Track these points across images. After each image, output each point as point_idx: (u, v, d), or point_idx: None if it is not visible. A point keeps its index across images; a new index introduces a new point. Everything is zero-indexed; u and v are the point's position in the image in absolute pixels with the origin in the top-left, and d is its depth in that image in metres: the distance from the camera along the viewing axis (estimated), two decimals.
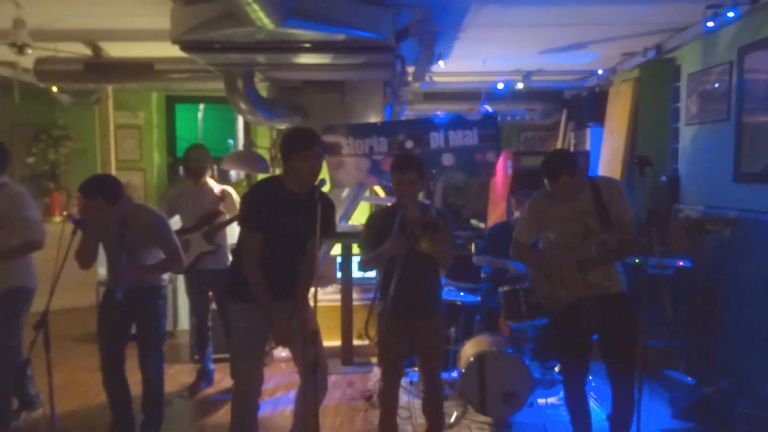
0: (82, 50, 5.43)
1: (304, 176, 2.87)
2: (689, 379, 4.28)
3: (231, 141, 7.86)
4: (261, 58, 4.28)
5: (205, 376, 4.56)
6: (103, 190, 3.07)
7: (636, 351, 2.86)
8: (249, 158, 5.15)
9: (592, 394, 3.96)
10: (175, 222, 4.48)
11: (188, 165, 4.49)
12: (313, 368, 2.60)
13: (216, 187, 4.52)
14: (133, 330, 3.43)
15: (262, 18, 3.38)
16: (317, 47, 4.02)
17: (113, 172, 6.44)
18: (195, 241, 4.33)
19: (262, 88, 5.30)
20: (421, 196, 3.24)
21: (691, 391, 4.04)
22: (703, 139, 4.77)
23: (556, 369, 4.42)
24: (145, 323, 3.39)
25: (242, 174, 7.23)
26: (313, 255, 2.90)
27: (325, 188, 4.80)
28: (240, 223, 2.99)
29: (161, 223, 3.35)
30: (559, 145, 7.42)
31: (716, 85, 4.52)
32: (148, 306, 3.37)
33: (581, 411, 3.31)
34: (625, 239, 3.06)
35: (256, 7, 3.21)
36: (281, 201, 2.88)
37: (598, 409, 3.98)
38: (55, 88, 6.26)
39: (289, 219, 2.89)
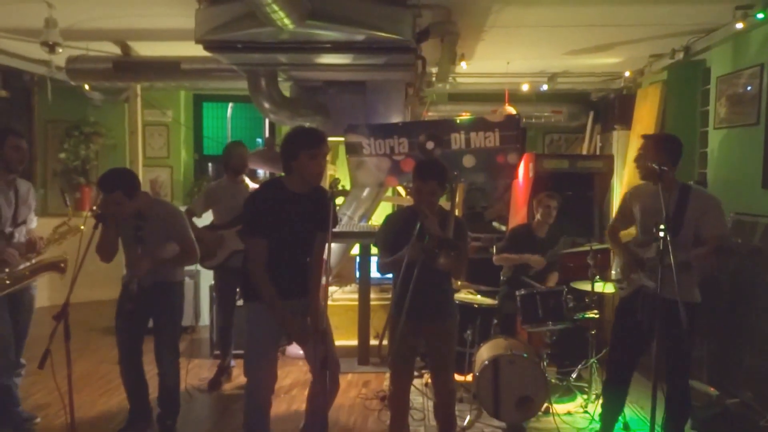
0: (113, 49, 5.56)
1: (311, 175, 2.88)
2: (712, 390, 4.19)
3: (259, 140, 7.94)
4: (283, 58, 4.33)
5: (225, 372, 4.62)
6: (122, 184, 3.13)
7: (683, 363, 3.09)
8: (270, 157, 5.21)
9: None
10: (207, 216, 4.56)
11: (228, 161, 4.50)
12: (321, 366, 2.61)
13: (252, 185, 4.57)
14: (151, 324, 3.49)
15: (282, 18, 3.42)
16: (338, 47, 4.04)
17: (140, 168, 6.59)
18: (229, 239, 4.34)
19: (285, 88, 5.36)
20: (443, 200, 3.22)
21: (714, 403, 3.94)
22: (732, 144, 4.64)
23: (573, 375, 4.37)
24: (161, 318, 3.45)
25: (267, 173, 7.31)
26: (321, 252, 2.90)
27: (345, 187, 4.86)
28: (243, 231, 2.98)
29: (178, 217, 3.40)
30: (585, 148, 7.31)
31: (746, 88, 4.40)
32: (165, 301, 3.42)
33: (613, 403, 3.43)
34: (696, 252, 3.03)
35: (276, 7, 3.25)
36: (284, 203, 2.89)
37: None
38: (87, 86, 6.43)
39: (293, 220, 2.89)
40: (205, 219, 4.58)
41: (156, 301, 3.38)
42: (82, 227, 3.59)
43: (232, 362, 4.71)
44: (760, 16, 3.88)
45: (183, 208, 5.38)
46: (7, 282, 3.38)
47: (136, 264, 3.24)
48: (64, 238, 3.59)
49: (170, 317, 3.46)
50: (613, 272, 3.55)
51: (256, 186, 4.58)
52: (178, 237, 3.38)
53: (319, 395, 2.84)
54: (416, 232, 2.84)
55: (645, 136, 3.36)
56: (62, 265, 3.66)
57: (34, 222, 3.62)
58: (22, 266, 3.44)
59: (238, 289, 4.60)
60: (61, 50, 4.39)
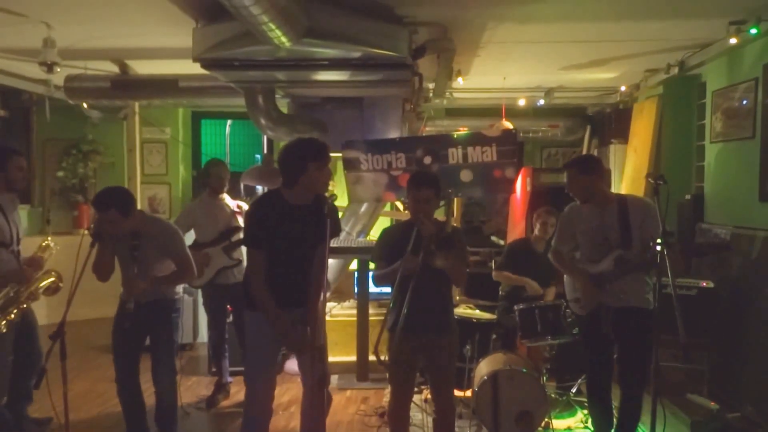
0: (111, 68, 5.59)
1: (319, 187, 2.89)
2: (712, 404, 4.16)
3: (258, 156, 7.96)
4: (280, 75, 4.35)
5: (222, 389, 4.59)
6: (116, 203, 3.11)
7: (646, 368, 3.07)
8: (267, 173, 5.21)
9: None
10: (190, 236, 4.55)
11: (207, 180, 4.55)
12: (319, 384, 2.59)
13: (231, 202, 4.58)
14: (148, 342, 3.47)
15: (279, 36, 3.45)
16: (335, 64, 4.06)
17: (138, 185, 6.59)
18: (216, 256, 4.37)
19: (283, 105, 5.38)
20: (439, 214, 3.23)
21: (714, 417, 3.92)
22: (729, 158, 4.67)
23: (573, 390, 4.34)
24: (157, 336, 3.43)
25: (265, 190, 7.32)
26: (322, 264, 2.90)
27: (343, 203, 4.85)
28: (244, 242, 3.01)
29: (173, 235, 3.39)
30: None
31: (742, 102, 4.43)
32: (161, 318, 3.40)
33: (601, 415, 3.47)
34: (645, 258, 3.14)
35: (272, 26, 3.27)
36: (282, 214, 2.88)
37: None
38: (85, 105, 6.46)
39: (292, 231, 2.89)
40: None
41: (153, 318, 3.36)
42: (86, 231, 3.66)
43: (229, 378, 4.68)
44: (754, 31, 3.92)
45: None
46: (24, 306, 3.46)
47: (132, 284, 3.23)
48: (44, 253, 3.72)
49: (167, 335, 3.44)
50: (567, 293, 3.55)
51: (239, 203, 4.60)
52: (174, 254, 3.36)
53: (316, 413, 2.81)
54: (411, 246, 2.86)
55: (565, 167, 3.46)
56: (59, 282, 3.71)
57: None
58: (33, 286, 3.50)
59: (228, 306, 4.60)
60: (59, 70, 4.42)
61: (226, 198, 4.59)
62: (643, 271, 3.21)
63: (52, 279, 3.75)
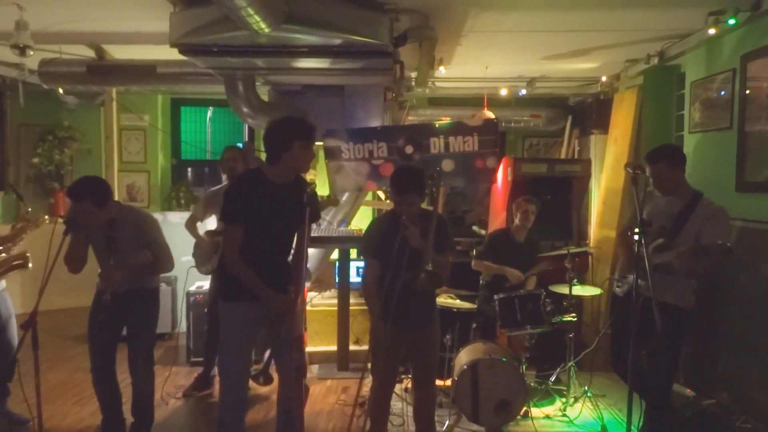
0: (87, 52, 5.47)
1: (303, 165, 2.87)
2: (688, 391, 4.23)
3: (240, 144, 7.88)
4: (260, 62, 4.29)
5: (207, 380, 4.54)
6: (92, 193, 3.05)
7: (672, 362, 3.29)
8: (250, 161, 5.14)
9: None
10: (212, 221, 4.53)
11: (222, 165, 4.46)
12: (297, 374, 2.58)
13: None
14: (125, 332, 3.42)
15: (258, 22, 3.39)
16: (315, 51, 4.02)
17: (116, 173, 6.48)
18: None
19: (264, 93, 5.31)
20: (424, 204, 3.22)
21: (690, 404, 3.98)
22: (707, 148, 4.70)
23: (551, 379, 4.38)
24: (135, 325, 3.38)
25: None
26: (302, 244, 2.88)
27: (323, 192, 4.81)
28: (222, 218, 2.94)
29: (150, 225, 3.34)
30: (563, 152, 7.37)
31: (720, 92, 4.46)
32: (140, 308, 3.36)
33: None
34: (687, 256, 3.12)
35: (251, 11, 3.21)
36: (265, 193, 2.84)
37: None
38: (60, 90, 6.32)
39: (274, 210, 2.85)
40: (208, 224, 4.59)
41: (130, 308, 3.31)
42: (46, 218, 3.55)
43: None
44: (732, 21, 3.94)
45: (161, 215, 5.36)
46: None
47: (108, 275, 3.17)
48: (24, 232, 3.54)
49: (145, 325, 3.40)
50: (620, 271, 3.65)
51: None
52: (151, 245, 3.31)
53: (294, 404, 2.80)
54: (399, 237, 2.83)
55: (650, 161, 3.41)
56: (25, 260, 3.59)
57: None
58: None
59: None
60: (32, 53, 4.30)
61: None
62: (682, 272, 3.19)
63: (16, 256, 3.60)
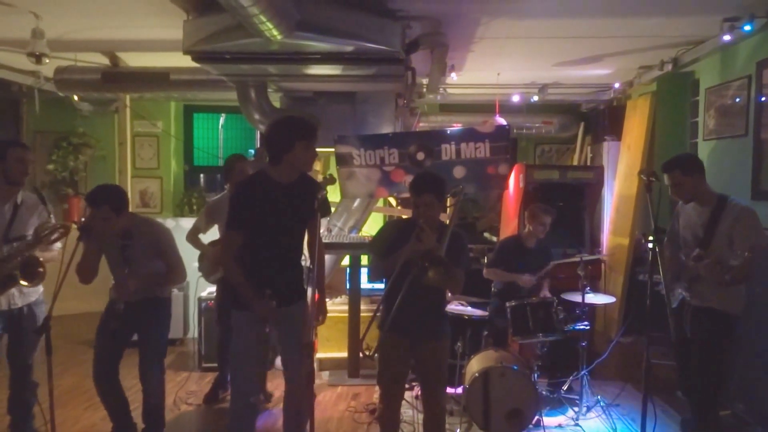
0: (101, 60, 5.54)
1: (305, 166, 2.86)
2: None
3: (252, 151, 7.92)
4: (272, 69, 4.31)
5: (223, 386, 4.53)
6: (110, 199, 3.08)
7: (719, 370, 3.26)
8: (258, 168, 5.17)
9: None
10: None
11: (230, 175, 4.32)
12: (308, 380, 2.57)
13: None
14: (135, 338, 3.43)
15: (270, 29, 3.41)
16: (327, 58, 4.03)
17: (129, 179, 6.54)
18: None
19: (276, 99, 5.34)
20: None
21: None
22: (722, 155, 4.66)
23: (564, 388, 4.34)
24: (147, 334, 3.39)
25: None
26: (314, 237, 2.88)
27: (335, 197, 4.80)
28: (226, 224, 2.91)
29: (164, 236, 3.35)
30: (575, 159, 7.34)
31: (735, 99, 4.42)
32: (152, 317, 3.37)
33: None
34: (728, 263, 3.10)
35: (263, 18, 3.24)
36: (271, 194, 2.82)
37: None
38: (75, 97, 6.39)
39: (282, 210, 2.84)
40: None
41: (143, 317, 3.32)
42: (74, 225, 3.45)
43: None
44: (747, 28, 3.91)
45: (173, 221, 5.38)
46: None
47: (123, 284, 3.19)
48: (48, 240, 3.31)
49: (157, 333, 3.40)
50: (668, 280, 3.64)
51: None
52: (165, 256, 3.33)
53: (303, 410, 2.78)
54: (413, 237, 2.79)
55: (666, 170, 3.44)
56: (67, 229, 3.43)
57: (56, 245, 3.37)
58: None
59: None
60: (48, 61, 4.37)
61: None
62: (717, 279, 3.15)
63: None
